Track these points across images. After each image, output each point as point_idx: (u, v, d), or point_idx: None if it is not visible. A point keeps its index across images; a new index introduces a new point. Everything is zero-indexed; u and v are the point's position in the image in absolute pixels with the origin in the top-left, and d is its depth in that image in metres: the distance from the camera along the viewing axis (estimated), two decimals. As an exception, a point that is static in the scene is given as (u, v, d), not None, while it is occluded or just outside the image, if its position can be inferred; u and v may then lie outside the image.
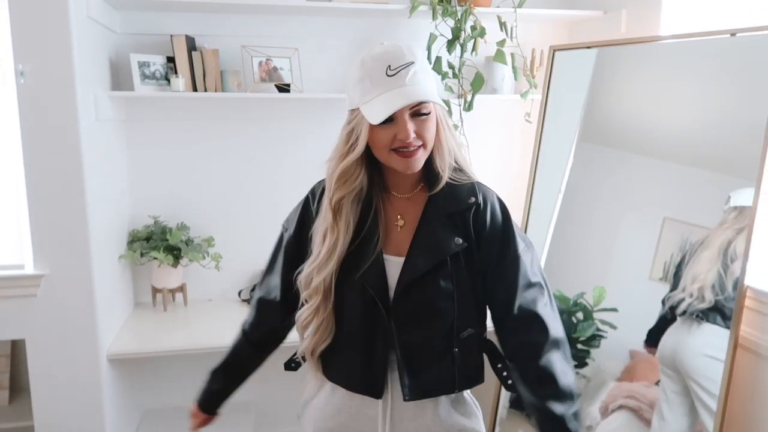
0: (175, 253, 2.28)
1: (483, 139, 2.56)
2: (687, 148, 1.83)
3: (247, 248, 2.50)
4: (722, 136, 1.75)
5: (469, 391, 1.30)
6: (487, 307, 1.24)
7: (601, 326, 1.95)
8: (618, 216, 2.00)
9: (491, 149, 2.63)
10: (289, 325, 1.32)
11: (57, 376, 1.96)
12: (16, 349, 2.36)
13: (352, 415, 1.24)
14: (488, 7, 2.35)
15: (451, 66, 2.36)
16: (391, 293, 1.17)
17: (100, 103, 2.03)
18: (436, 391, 1.21)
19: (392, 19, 2.45)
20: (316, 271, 1.18)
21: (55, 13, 1.76)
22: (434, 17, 2.28)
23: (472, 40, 2.32)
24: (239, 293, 2.53)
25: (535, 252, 1.24)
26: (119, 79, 2.28)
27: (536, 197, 2.25)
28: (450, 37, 2.33)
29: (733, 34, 1.72)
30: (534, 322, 1.18)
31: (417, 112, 1.10)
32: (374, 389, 1.20)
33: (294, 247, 1.27)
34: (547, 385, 1.17)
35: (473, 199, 1.18)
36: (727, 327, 1.61)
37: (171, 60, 2.24)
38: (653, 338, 1.80)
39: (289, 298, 1.27)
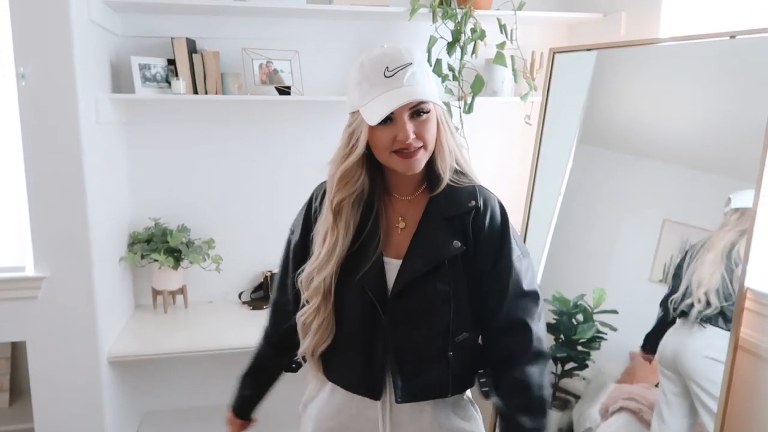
0: (175, 255, 2.28)
1: (483, 141, 2.56)
2: (687, 150, 1.84)
3: (247, 250, 2.51)
4: (722, 138, 1.76)
5: (469, 393, 1.30)
6: None
7: (601, 328, 1.95)
8: (618, 218, 2.00)
9: (491, 151, 2.63)
10: None
11: (57, 378, 1.96)
12: (17, 351, 2.36)
13: (351, 415, 1.24)
14: (488, 9, 2.36)
15: (451, 68, 2.37)
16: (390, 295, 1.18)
17: (101, 105, 2.04)
18: (428, 394, 1.20)
19: (392, 22, 2.46)
20: (316, 271, 1.18)
21: (56, 16, 1.77)
22: (434, 20, 2.29)
23: (472, 43, 2.32)
24: (240, 295, 2.54)
25: (532, 262, 1.23)
26: (120, 82, 2.28)
27: (536, 199, 2.25)
28: (450, 39, 2.33)
29: (732, 37, 1.73)
30: (520, 330, 1.17)
31: (416, 112, 1.10)
32: (373, 391, 1.21)
33: (300, 251, 1.27)
34: (520, 396, 1.16)
35: (473, 203, 1.17)
36: (729, 329, 1.61)
37: (172, 62, 2.24)
38: (651, 343, 1.79)
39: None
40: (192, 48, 2.25)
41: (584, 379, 1.98)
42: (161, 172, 2.42)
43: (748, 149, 1.62)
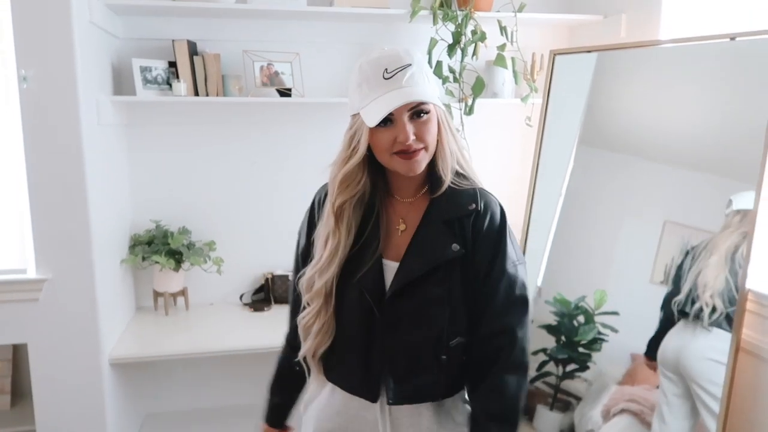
0: (176, 257, 2.28)
1: (484, 143, 2.57)
2: (687, 151, 1.84)
3: (248, 252, 2.51)
4: (722, 140, 1.76)
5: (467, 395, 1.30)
6: None
7: (602, 329, 1.95)
8: (618, 219, 2.00)
9: (492, 153, 2.63)
10: None
11: (59, 381, 1.97)
12: (18, 353, 2.36)
13: (351, 417, 1.24)
14: (489, 11, 2.36)
15: (451, 70, 2.37)
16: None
17: (102, 107, 2.04)
18: (420, 397, 1.20)
19: (393, 24, 2.46)
20: (318, 275, 1.18)
21: (57, 19, 1.77)
22: (435, 22, 2.29)
23: (473, 45, 2.33)
24: (241, 297, 2.54)
25: (526, 270, 1.22)
26: (121, 84, 2.29)
27: (537, 201, 2.25)
28: (451, 41, 2.33)
29: (732, 39, 1.73)
30: (505, 337, 1.17)
31: (416, 113, 1.10)
32: (370, 393, 1.21)
33: (308, 254, 1.27)
34: (494, 403, 1.16)
35: (473, 206, 1.17)
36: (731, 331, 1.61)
37: (173, 65, 2.25)
38: (655, 349, 1.79)
39: None
40: (193, 50, 2.25)
41: (585, 380, 1.98)
42: (162, 174, 2.42)
43: (749, 150, 1.62)
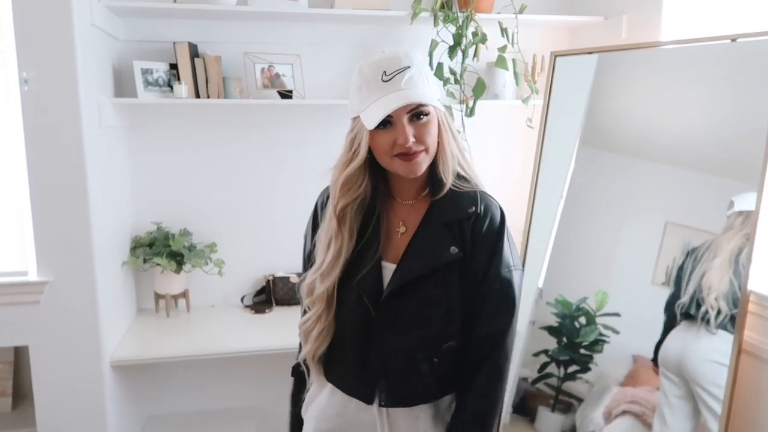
0: (177, 259, 2.28)
1: (485, 144, 2.57)
2: (688, 152, 1.84)
3: (249, 254, 2.51)
4: (723, 141, 1.75)
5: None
6: None
7: (603, 331, 1.95)
8: (620, 220, 2.00)
9: (493, 155, 2.63)
10: None
11: (60, 383, 1.97)
12: (20, 355, 2.36)
13: (349, 418, 1.24)
14: (489, 13, 2.36)
15: (452, 72, 2.37)
16: None
17: (104, 109, 2.04)
18: (412, 399, 1.20)
19: (394, 26, 2.46)
20: (320, 279, 1.18)
21: (58, 21, 1.77)
22: (435, 23, 2.29)
23: (474, 46, 2.33)
24: (242, 299, 2.54)
25: (521, 277, 1.23)
26: (122, 86, 2.29)
27: (538, 202, 2.25)
28: (451, 43, 2.34)
29: (733, 40, 1.73)
30: (492, 340, 1.18)
31: (416, 115, 1.10)
32: (366, 394, 1.21)
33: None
34: (471, 404, 1.19)
35: (473, 209, 1.17)
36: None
37: (174, 67, 2.25)
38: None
39: None
40: (194, 52, 2.26)
41: (587, 382, 1.98)
42: (163, 176, 2.42)
43: (750, 151, 1.62)
